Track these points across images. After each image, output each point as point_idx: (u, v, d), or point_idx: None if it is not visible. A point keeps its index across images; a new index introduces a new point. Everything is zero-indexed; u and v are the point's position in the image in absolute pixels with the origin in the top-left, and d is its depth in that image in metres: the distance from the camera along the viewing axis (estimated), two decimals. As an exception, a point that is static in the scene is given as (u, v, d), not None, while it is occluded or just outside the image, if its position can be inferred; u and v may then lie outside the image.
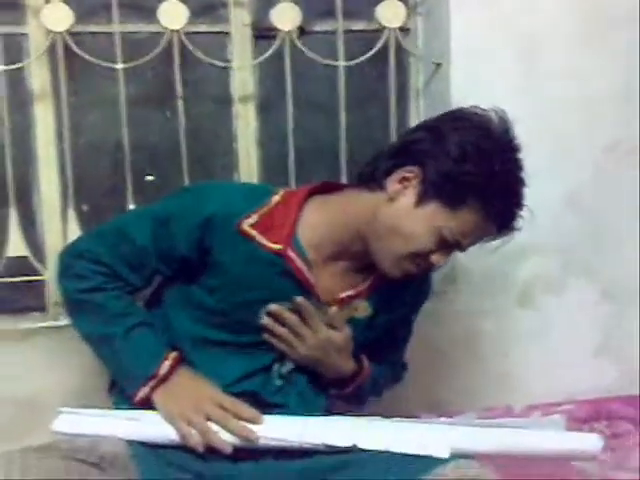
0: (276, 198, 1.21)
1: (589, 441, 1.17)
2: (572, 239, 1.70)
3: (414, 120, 1.71)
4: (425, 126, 1.23)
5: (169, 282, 1.27)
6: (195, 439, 1.13)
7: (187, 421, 1.15)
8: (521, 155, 1.17)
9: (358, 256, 1.22)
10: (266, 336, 1.22)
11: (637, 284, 1.75)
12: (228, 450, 1.14)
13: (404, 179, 1.16)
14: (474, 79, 1.60)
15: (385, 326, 1.30)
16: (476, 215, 1.14)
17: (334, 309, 1.22)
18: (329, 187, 1.27)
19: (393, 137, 1.63)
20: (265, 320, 1.20)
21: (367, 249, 1.20)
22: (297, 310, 1.20)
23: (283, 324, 1.21)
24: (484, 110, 1.17)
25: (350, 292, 1.24)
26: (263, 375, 1.23)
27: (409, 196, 1.15)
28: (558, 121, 1.66)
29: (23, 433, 1.43)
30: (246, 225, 1.17)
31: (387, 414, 1.21)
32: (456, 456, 1.10)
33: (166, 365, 1.18)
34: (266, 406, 1.19)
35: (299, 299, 1.19)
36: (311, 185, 1.25)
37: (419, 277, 1.25)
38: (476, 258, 1.58)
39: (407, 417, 1.22)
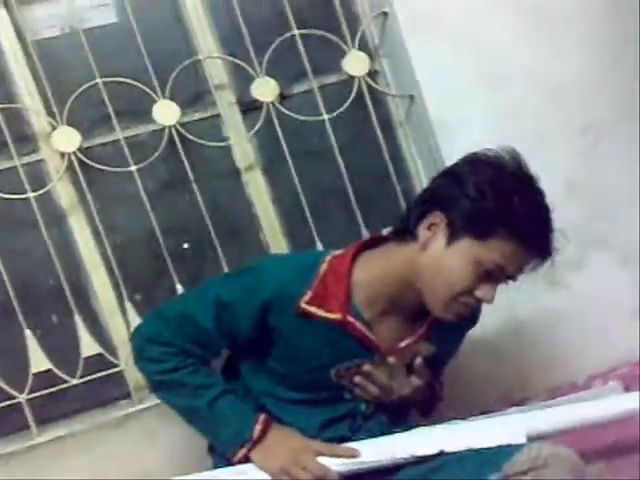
0: (324, 267, 1.21)
1: None
2: (577, 219, 1.69)
3: (405, 149, 1.77)
4: (445, 173, 1.25)
5: (242, 355, 1.30)
6: None
7: (288, 474, 1.19)
8: (538, 184, 1.18)
9: (410, 305, 1.23)
10: (360, 391, 1.25)
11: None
12: (334, 477, 1.18)
13: (432, 225, 1.17)
14: (446, 101, 1.65)
15: (444, 356, 1.34)
16: (508, 242, 1.13)
17: (392, 360, 1.23)
18: (370, 243, 1.27)
19: (390, 168, 1.68)
20: (357, 379, 1.23)
21: (417, 298, 1.20)
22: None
23: (373, 381, 1.23)
24: (496, 151, 1.19)
25: (408, 341, 1.25)
26: (343, 420, 1.27)
27: (439, 240, 1.16)
28: (531, 118, 1.70)
29: None
30: (303, 303, 1.18)
31: (463, 415, 1.29)
32: (532, 439, 1.16)
33: (258, 429, 1.21)
34: None
35: (372, 369, 1.22)
36: (354, 247, 1.25)
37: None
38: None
39: (481, 413, 1.29)
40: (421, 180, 1.76)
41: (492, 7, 1.67)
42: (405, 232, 1.21)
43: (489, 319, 1.63)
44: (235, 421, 1.23)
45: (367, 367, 1.23)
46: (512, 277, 1.19)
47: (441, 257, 1.16)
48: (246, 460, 1.22)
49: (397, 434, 1.25)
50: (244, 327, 1.21)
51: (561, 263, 1.67)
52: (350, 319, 1.20)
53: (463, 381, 1.55)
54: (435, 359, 1.30)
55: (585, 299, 1.74)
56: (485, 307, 1.61)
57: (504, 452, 1.15)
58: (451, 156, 1.63)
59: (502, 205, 1.13)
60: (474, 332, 1.43)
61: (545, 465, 1.12)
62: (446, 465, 1.19)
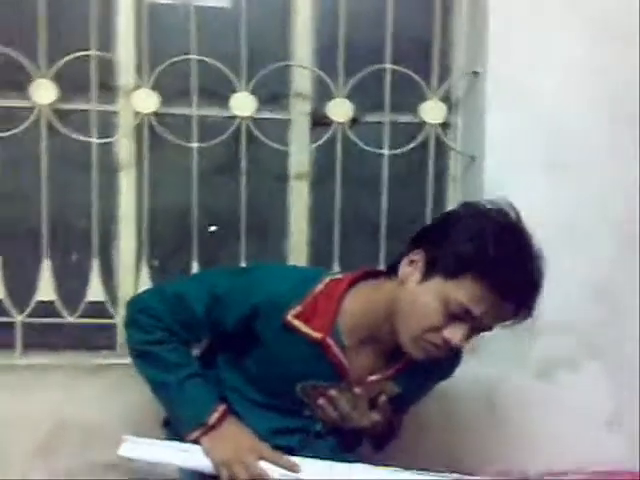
0: (320, 287, 1.23)
1: None
2: (586, 320, 1.71)
3: (450, 205, 1.75)
4: (441, 215, 1.28)
5: (222, 346, 1.34)
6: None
7: (228, 468, 1.21)
8: (523, 236, 1.16)
9: (386, 340, 1.23)
10: (320, 412, 1.26)
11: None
12: None
13: (412, 262, 1.18)
14: (505, 171, 1.65)
15: (409, 400, 1.33)
16: (476, 285, 1.11)
17: (358, 390, 1.24)
18: (369, 274, 1.28)
19: (429, 219, 1.68)
20: (320, 401, 1.24)
21: (393, 334, 1.20)
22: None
23: (335, 406, 1.24)
24: (494, 201, 1.19)
25: (378, 376, 1.25)
26: (296, 433, 1.28)
27: (415, 275, 1.16)
28: (580, 212, 1.70)
29: (86, 454, 1.57)
30: (290, 316, 1.20)
31: (405, 467, 1.24)
32: None
33: (215, 416, 1.24)
34: None
35: (337, 395, 1.22)
36: (353, 275, 1.26)
37: (444, 360, 1.23)
38: (499, 331, 1.72)
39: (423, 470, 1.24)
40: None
41: (577, 95, 1.68)
42: (395, 267, 1.22)
43: (470, 389, 1.69)
44: (197, 404, 1.26)
45: (333, 392, 1.23)
46: (486, 325, 1.15)
47: (414, 292, 1.16)
48: (195, 443, 1.25)
49: (340, 463, 1.24)
50: (229, 323, 1.24)
51: (556, 360, 1.73)
52: (329, 341, 1.22)
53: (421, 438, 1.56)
54: (400, 400, 1.29)
55: (568, 399, 1.74)
56: (473, 377, 1.65)
57: None
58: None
59: (478, 249, 1.12)
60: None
61: None
62: None
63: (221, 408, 1.26)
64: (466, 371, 1.66)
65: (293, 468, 1.22)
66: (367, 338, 1.25)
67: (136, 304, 1.32)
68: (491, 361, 1.70)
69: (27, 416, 1.58)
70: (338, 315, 1.23)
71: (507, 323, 1.17)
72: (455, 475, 1.26)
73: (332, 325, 1.22)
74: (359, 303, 1.24)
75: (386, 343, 1.24)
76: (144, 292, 1.39)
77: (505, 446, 1.73)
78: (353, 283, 1.26)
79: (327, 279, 1.26)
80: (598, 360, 1.75)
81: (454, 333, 1.14)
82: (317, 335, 1.21)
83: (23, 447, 1.58)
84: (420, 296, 1.16)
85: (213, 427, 1.24)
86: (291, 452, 1.26)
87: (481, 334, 1.19)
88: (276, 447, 1.25)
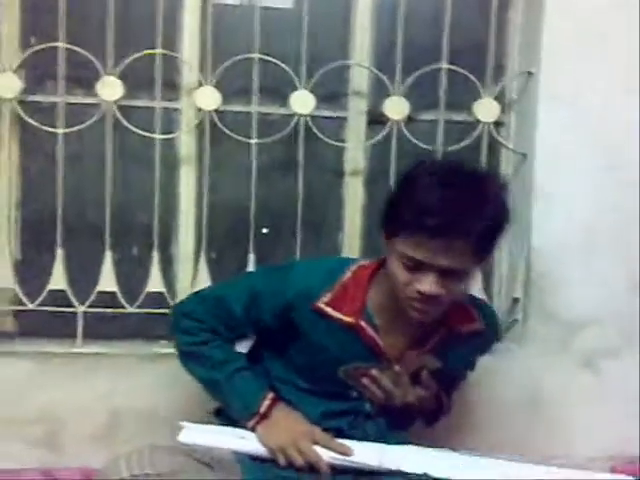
0: (348, 275, 1.30)
1: None
2: (628, 311, 1.75)
3: None
4: None
5: (266, 341, 1.38)
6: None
7: (284, 454, 1.25)
8: (453, 181, 1.15)
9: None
10: (365, 392, 1.31)
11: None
12: (325, 467, 1.23)
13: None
14: (556, 170, 1.69)
15: (452, 373, 1.38)
16: (412, 232, 1.14)
17: (397, 368, 1.28)
18: None
19: None
20: (365, 381, 1.29)
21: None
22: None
23: (378, 385, 1.28)
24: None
25: (415, 352, 1.30)
26: (345, 415, 1.32)
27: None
28: (623, 208, 1.72)
29: (144, 440, 1.61)
30: (321, 304, 1.27)
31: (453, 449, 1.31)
32: None
33: (265, 404, 1.29)
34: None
35: (378, 374, 1.27)
36: (378, 260, 1.31)
37: (482, 333, 1.33)
38: (544, 323, 1.73)
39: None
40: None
41: (629, 95, 1.70)
42: None
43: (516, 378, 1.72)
44: (247, 395, 1.31)
45: (374, 371, 1.28)
46: (449, 268, 1.15)
47: (388, 261, 1.24)
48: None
49: (391, 445, 1.29)
50: (267, 319, 1.31)
51: (600, 350, 1.76)
52: (362, 323, 1.28)
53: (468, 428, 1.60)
54: (444, 373, 1.33)
55: (612, 388, 1.76)
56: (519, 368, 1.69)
57: None
58: (540, 223, 1.72)
59: (407, 200, 1.17)
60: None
61: None
62: None
63: (270, 396, 1.31)
64: (512, 361, 1.72)
65: (346, 451, 1.26)
66: (396, 317, 1.28)
67: (180, 309, 1.39)
68: (536, 351, 1.74)
69: (87, 403, 1.63)
70: (367, 299, 1.29)
71: (469, 263, 1.17)
72: (502, 456, 1.32)
73: (363, 308, 1.28)
74: (384, 285, 1.28)
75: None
76: (187, 298, 1.45)
77: (548, 433, 1.76)
78: (379, 268, 1.31)
79: (354, 267, 1.32)
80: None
81: (422, 283, 1.17)
82: (349, 319, 1.27)
83: (83, 433, 1.63)
84: (389, 262, 1.23)
85: (265, 415, 1.29)
86: (341, 434, 1.30)
87: (468, 280, 1.23)
88: (326, 430, 1.29)
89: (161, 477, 1.14)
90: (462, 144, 1.71)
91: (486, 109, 1.70)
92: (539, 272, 1.73)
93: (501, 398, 1.72)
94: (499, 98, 1.72)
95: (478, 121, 1.71)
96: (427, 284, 1.17)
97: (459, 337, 1.32)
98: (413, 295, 1.20)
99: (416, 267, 1.18)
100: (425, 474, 1.23)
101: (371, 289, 1.30)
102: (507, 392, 1.72)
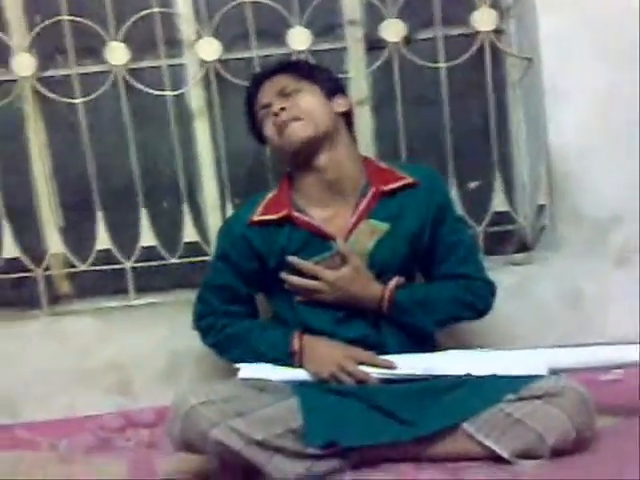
0: (272, 192, 1.49)
1: None
2: None
3: (512, 109, 1.78)
4: None
5: (270, 290, 1.51)
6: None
7: (335, 379, 1.34)
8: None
9: (334, 186, 1.42)
10: (287, 286, 1.42)
11: None
12: (374, 382, 1.33)
13: None
14: (562, 71, 1.65)
15: (412, 236, 1.41)
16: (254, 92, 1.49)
17: (339, 242, 1.38)
18: None
19: (493, 126, 1.70)
20: (283, 274, 1.41)
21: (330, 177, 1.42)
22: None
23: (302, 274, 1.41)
24: None
25: (351, 220, 1.40)
26: (356, 318, 1.41)
27: None
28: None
29: (201, 379, 1.72)
30: (255, 217, 1.44)
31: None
32: (552, 373, 1.29)
33: (295, 342, 1.39)
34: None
35: (290, 259, 1.39)
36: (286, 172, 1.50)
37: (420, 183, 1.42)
38: (573, 226, 1.72)
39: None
40: (518, 144, 1.80)
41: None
42: None
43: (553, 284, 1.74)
44: (277, 343, 1.41)
45: (291, 258, 1.41)
46: (280, 93, 1.44)
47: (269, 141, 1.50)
48: None
49: (432, 353, 1.37)
50: (246, 265, 1.45)
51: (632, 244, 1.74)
52: (295, 214, 1.42)
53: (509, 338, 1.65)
54: (400, 238, 1.41)
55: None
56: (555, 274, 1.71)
57: (524, 380, 1.26)
58: (555, 124, 1.68)
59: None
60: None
61: (558, 394, 1.23)
62: (469, 383, 1.30)
63: (296, 333, 1.40)
64: (546, 267, 1.74)
65: (390, 365, 1.34)
66: (325, 202, 1.44)
67: (194, 321, 1.53)
68: (568, 255, 1.74)
69: (145, 350, 1.74)
70: (293, 199, 1.45)
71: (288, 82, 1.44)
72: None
73: (291, 204, 1.43)
74: (301, 182, 1.47)
75: (334, 189, 1.44)
76: (193, 310, 1.56)
77: (588, 333, 1.73)
78: (289, 177, 1.50)
79: (276, 189, 1.50)
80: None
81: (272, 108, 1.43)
82: (282, 213, 1.42)
83: (150, 377, 1.75)
84: (269, 140, 1.50)
85: (300, 351, 1.38)
86: (366, 339, 1.39)
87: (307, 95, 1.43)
88: (348, 339, 1.39)
89: (225, 401, 1.26)
90: (464, 57, 1.69)
91: (484, 18, 1.67)
92: (561, 176, 1.72)
93: (539, 304, 1.73)
94: (495, 6, 1.68)
95: (478, 32, 1.68)
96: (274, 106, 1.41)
97: (391, 194, 1.41)
98: (276, 123, 1.41)
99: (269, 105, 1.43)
100: (468, 374, 1.31)
101: (292, 192, 1.45)
102: (545, 297, 1.73)
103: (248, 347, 1.43)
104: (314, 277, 1.40)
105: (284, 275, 1.42)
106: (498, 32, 1.72)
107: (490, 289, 1.47)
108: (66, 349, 1.74)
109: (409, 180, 1.42)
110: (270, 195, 1.49)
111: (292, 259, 1.40)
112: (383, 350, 1.38)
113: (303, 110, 1.40)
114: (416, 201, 1.42)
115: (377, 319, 1.40)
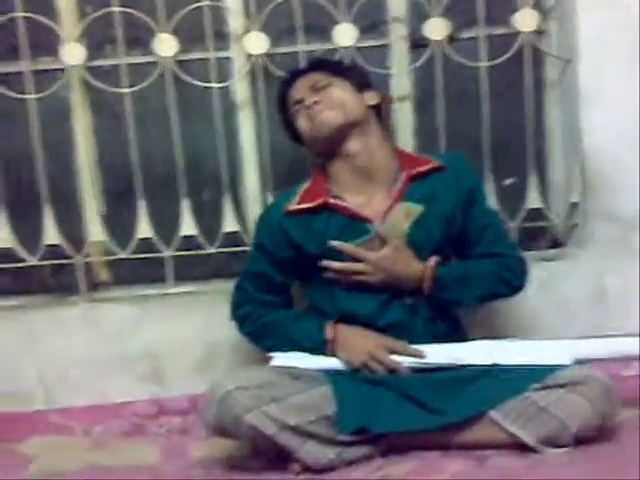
0: (306, 184, 1.53)
1: None
2: None
3: (549, 109, 1.81)
4: None
5: (306, 278, 1.53)
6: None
7: (367, 367, 1.36)
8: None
9: (366, 173, 1.47)
10: (330, 274, 1.44)
11: None
12: (405, 370, 1.36)
13: None
14: (600, 73, 1.69)
15: (446, 218, 1.44)
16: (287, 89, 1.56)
17: (376, 225, 1.42)
18: None
19: (530, 125, 1.73)
20: (324, 262, 1.44)
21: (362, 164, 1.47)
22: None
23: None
24: None
25: (386, 204, 1.43)
26: (393, 302, 1.43)
27: None
28: None
29: (236, 368, 1.70)
30: (291, 206, 1.48)
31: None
32: (576, 363, 1.30)
33: (329, 330, 1.41)
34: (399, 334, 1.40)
35: (333, 243, 1.41)
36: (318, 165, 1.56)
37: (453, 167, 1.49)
38: (604, 224, 1.75)
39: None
40: (554, 143, 1.83)
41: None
42: None
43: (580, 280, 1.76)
44: (310, 332, 1.44)
45: (335, 243, 1.43)
46: (312, 88, 1.50)
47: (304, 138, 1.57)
48: None
49: (456, 343, 1.39)
50: (282, 253, 1.48)
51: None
52: (332, 201, 1.46)
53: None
54: (434, 221, 1.44)
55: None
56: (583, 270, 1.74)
57: (549, 369, 1.29)
58: (590, 126, 1.72)
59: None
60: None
61: (582, 383, 1.26)
62: (496, 372, 1.32)
63: (330, 323, 1.42)
64: (575, 264, 1.77)
65: (420, 354, 1.37)
66: (359, 189, 1.48)
67: (231, 310, 1.56)
68: (598, 253, 1.77)
69: (183, 338, 1.75)
70: (328, 188, 1.49)
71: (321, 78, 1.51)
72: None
73: (327, 192, 1.47)
74: (335, 171, 1.52)
75: (369, 176, 1.48)
76: (231, 299, 1.59)
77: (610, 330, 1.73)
78: (323, 168, 1.55)
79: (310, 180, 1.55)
80: None
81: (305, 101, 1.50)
82: (319, 201, 1.46)
83: (182, 365, 1.76)
84: (303, 136, 1.57)
85: (334, 340, 1.40)
86: (403, 323, 1.42)
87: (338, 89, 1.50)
88: (388, 323, 1.42)
89: (259, 387, 1.28)
90: (505, 57, 1.72)
91: (525, 19, 1.70)
92: (594, 175, 1.75)
93: (567, 300, 1.76)
94: (537, 7, 1.72)
95: (519, 32, 1.72)
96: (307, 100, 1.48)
97: (422, 177, 1.46)
98: (309, 114, 1.47)
99: (303, 100, 1.49)
100: (495, 363, 1.33)
101: (326, 181, 1.50)
102: (573, 293, 1.76)
103: (283, 336, 1.45)
104: (356, 260, 1.42)
105: (326, 262, 1.44)
106: (539, 33, 1.76)
107: (523, 267, 1.51)
108: (103, 336, 1.76)
109: (435, 164, 1.48)
110: (305, 186, 1.52)
111: (335, 243, 1.43)
112: (414, 337, 1.41)
113: (334, 101, 1.47)
114: (446, 185, 1.47)
115: (415, 304, 1.43)
